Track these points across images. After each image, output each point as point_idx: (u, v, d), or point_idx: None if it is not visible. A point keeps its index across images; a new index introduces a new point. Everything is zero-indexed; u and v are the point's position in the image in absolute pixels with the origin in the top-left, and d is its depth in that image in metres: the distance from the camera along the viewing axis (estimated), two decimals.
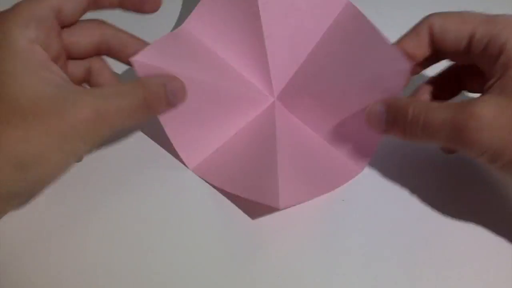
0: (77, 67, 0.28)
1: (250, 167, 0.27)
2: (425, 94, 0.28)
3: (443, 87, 0.29)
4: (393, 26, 0.44)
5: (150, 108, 0.27)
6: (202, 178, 0.28)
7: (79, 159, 0.28)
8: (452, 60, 0.28)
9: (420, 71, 0.29)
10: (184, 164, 0.28)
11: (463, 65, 0.28)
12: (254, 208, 0.30)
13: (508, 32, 0.24)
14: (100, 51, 0.29)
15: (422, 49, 0.27)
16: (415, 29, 0.27)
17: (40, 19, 0.25)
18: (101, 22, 0.29)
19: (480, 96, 0.24)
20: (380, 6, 0.48)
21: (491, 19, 0.25)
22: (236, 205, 0.30)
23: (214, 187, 0.29)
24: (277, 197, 0.25)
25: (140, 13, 0.30)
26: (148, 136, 0.36)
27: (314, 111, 0.27)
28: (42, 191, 0.28)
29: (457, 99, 0.33)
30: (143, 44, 0.29)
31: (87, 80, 0.31)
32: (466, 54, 0.27)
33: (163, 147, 0.34)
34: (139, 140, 0.35)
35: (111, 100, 0.25)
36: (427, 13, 0.48)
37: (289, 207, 0.26)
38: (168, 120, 0.28)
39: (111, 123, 0.25)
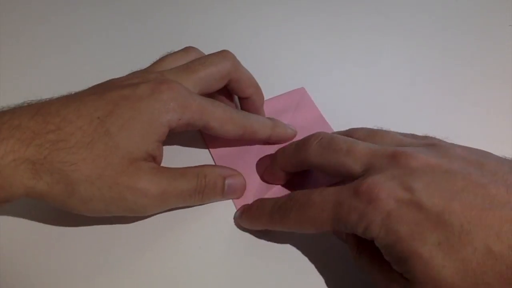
0: None
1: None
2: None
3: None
4: (393, 26, 0.44)
5: (203, 196, 0.29)
6: None
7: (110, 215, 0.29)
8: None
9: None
10: None
11: None
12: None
13: (361, 226, 0.23)
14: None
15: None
16: (273, 172, 0.31)
17: (190, 119, 0.28)
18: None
19: (396, 277, 0.22)
20: (380, 6, 0.48)
21: (339, 214, 0.24)
22: None
23: None
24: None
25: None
26: None
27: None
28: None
29: None
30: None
31: None
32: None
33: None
34: None
35: (175, 183, 0.27)
36: (427, 13, 0.49)
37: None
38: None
39: (167, 201, 0.28)
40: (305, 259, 0.28)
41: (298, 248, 0.29)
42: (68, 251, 0.28)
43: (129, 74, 0.30)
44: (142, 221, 0.29)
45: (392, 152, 0.24)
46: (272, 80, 0.37)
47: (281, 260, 0.28)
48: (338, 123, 0.35)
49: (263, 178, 0.32)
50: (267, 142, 0.33)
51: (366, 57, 0.41)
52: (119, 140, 0.26)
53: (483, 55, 0.42)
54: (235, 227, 0.29)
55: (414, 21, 0.45)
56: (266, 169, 0.32)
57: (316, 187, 0.26)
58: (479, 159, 0.24)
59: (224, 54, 0.31)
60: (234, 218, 0.30)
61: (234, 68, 0.31)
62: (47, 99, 0.27)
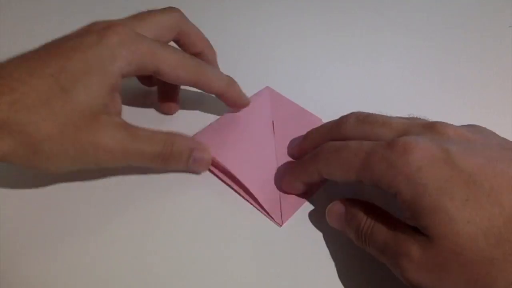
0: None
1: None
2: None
3: None
4: (393, 26, 0.44)
5: (166, 163, 0.29)
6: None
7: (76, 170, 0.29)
8: None
9: None
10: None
11: None
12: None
13: (388, 177, 0.23)
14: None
15: (316, 180, 0.28)
16: (305, 170, 0.28)
17: (139, 63, 0.28)
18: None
19: (411, 231, 0.23)
20: (378, 6, 0.48)
21: (367, 163, 0.24)
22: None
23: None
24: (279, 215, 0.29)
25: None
26: None
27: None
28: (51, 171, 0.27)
29: None
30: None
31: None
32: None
33: None
34: None
35: (137, 143, 0.27)
36: (426, 13, 0.49)
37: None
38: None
39: (128, 160, 0.27)
40: (305, 257, 0.28)
41: (299, 245, 0.29)
42: (71, 254, 0.28)
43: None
44: (136, 214, 0.29)
45: (430, 123, 0.25)
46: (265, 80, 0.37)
47: (282, 258, 0.28)
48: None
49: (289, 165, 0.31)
50: (223, 101, 0.32)
51: (365, 57, 0.41)
52: (75, 96, 0.25)
53: (483, 55, 0.42)
54: (233, 222, 0.29)
55: (414, 21, 0.45)
56: (294, 149, 0.31)
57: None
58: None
59: (172, 8, 0.31)
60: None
61: (183, 20, 0.31)
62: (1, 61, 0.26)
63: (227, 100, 0.32)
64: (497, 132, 0.27)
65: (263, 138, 0.33)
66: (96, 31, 0.27)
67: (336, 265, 0.27)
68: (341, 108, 0.35)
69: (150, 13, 0.30)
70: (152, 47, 0.28)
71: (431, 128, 0.25)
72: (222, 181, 0.31)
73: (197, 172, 0.31)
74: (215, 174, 0.31)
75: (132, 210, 0.29)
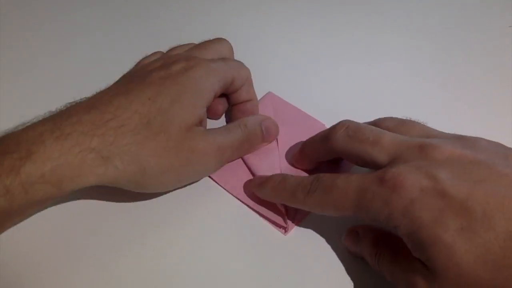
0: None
1: None
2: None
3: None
4: (393, 26, 0.44)
5: (250, 143, 0.32)
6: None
7: (181, 185, 0.31)
8: None
9: None
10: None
11: None
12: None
13: (383, 214, 0.23)
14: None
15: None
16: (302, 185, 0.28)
17: (224, 84, 0.31)
18: None
19: (418, 267, 0.23)
20: (378, 6, 0.48)
21: (361, 202, 0.24)
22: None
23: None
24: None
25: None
26: None
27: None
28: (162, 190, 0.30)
29: None
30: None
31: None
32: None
33: None
34: None
35: (226, 137, 0.30)
36: (426, 14, 0.49)
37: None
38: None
39: (223, 155, 0.30)
40: (306, 258, 0.28)
41: (300, 247, 0.29)
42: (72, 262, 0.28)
43: (145, 62, 0.32)
44: (143, 219, 0.29)
45: (419, 144, 0.25)
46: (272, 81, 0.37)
47: (282, 258, 0.28)
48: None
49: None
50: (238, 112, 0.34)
51: (367, 59, 0.41)
52: (173, 113, 0.28)
53: (483, 55, 0.42)
54: (235, 224, 0.30)
55: (414, 22, 0.45)
56: (293, 158, 0.32)
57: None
58: (504, 151, 0.25)
59: (222, 38, 0.34)
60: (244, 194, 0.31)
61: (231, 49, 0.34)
62: (89, 97, 0.29)
63: (246, 110, 0.34)
64: (497, 132, 0.28)
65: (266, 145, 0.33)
66: (179, 62, 0.30)
67: (341, 275, 0.28)
68: (345, 111, 0.35)
69: (207, 42, 0.34)
70: (223, 63, 0.31)
71: (419, 151, 0.25)
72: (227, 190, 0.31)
73: (270, 141, 0.33)
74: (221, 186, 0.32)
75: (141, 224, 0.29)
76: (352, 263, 0.28)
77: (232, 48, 0.34)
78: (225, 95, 0.33)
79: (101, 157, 0.25)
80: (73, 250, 0.28)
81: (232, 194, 0.31)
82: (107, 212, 0.30)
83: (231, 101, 0.34)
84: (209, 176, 0.32)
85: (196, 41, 0.34)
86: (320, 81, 0.38)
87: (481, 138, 0.26)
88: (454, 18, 0.45)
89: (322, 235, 0.29)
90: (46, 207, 0.29)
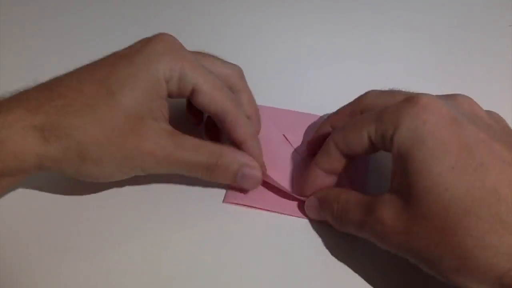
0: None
1: None
2: None
3: None
4: (393, 26, 0.44)
5: (212, 175, 0.28)
6: None
7: (125, 177, 0.28)
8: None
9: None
10: None
11: None
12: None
13: (394, 123, 0.24)
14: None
15: (337, 163, 0.28)
16: (325, 150, 0.28)
17: (181, 73, 0.27)
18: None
19: (384, 195, 0.24)
20: (379, 5, 0.48)
21: (380, 114, 0.25)
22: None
23: None
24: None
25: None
26: None
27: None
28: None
29: None
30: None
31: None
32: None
33: None
34: None
35: (182, 152, 0.27)
36: (426, 13, 0.49)
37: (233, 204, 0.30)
38: None
39: (172, 167, 0.27)
40: (306, 258, 0.28)
41: (300, 246, 0.29)
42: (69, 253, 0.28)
43: None
44: (143, 217, 0.29)
45: (453, 94, 0.26)
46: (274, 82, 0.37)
47: (283, 257, 0.28)
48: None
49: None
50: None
51: (364, 57, 0.41)
52: (121, 99, 0.26)
53: (483, 55, 0.42)
54: (237, 225, 0.29)
55: (414, 22, 0.45)
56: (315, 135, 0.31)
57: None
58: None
59: (235, 65, 0.31)
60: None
61: (242, 77, 0.31)
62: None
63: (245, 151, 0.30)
64: None
65: (285, 153, 0.32)
66: (142, 40, 0.28)
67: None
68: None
69: (214, 57, 0.31)
70: (195, 61, 0.28)
71: (452, 97, 0.26)
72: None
73: (245, 188, 0.30)
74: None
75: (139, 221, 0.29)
76: (352, 261, 0.28)
77: (242, 76, 0.31)
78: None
79: (43, 136, 0.25)
80: (67, 249, 0.28)
81: (263, 209, 0.30)
82: (105, 212, 0.30)
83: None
84: (232, 203, 0.30)
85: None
86: (318, 81, 0.38)
87: (503, 118, 0.27)
88: (454, 18, 0.45)
89: (322, 237, 0.29)
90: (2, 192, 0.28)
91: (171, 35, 0.28)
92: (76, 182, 0.28)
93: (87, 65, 0.28)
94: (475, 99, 0.39)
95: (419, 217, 0.22)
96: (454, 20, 0.45)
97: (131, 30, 0.43)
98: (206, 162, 0.27)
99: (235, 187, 0.30)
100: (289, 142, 0.33)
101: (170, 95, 0.28)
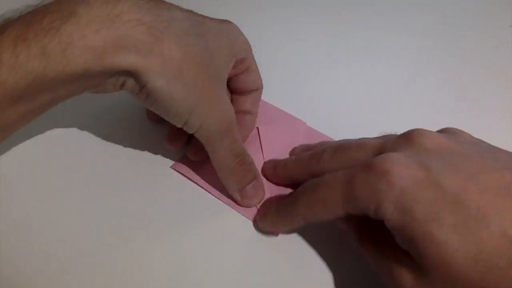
0: None
1: None
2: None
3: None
4: (392, 26, 0.44)
5: (237, 167, 0.28)
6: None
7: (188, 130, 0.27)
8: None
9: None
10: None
11: None
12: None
13: (372, 203, 0.22)
14: None
15: (297, 224, 0.27)
16: (291, 222, 0.27)
17: (243, 57, 0.29)
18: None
19: (403, 259, 0.22)
20: (378, 6, 0.48)
21: (350, 192, 0.23)
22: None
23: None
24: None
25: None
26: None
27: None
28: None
29: None
30: None
31: None
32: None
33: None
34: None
35: (237, 134, 0.28)
36: (426, 13, 0.49)
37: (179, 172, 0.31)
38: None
39: (225, 137, 0.27)
40: (305, 258, 0.28)
41: (299, 247, 0.29)
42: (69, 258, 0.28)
43: None
44: (145, 224, 0.29)
45: (405, 134, 0.24)
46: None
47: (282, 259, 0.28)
48: (336, 125, 0.35)
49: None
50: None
51: (363, 58, 0.41)
52: (213, 51, 0.26)
53: (483, 55, 0.42)
54: (237, 228, 0.29)
55: (414, 22, 0.45)
56: (270, 175, 0.31)
57: None
58: (490, 147, 0.24)
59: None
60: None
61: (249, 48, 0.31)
62: None
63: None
64: (497, 131, 0.27)
65: (250, 145, 0.32)
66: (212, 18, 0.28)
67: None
68: (343, 111, 0.35)
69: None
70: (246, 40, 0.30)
71: (406, 139, 0.23)
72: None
73: (249, 204, 0.29)
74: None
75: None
76: (344, 266, 0.28)
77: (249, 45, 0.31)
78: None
79: (151, 33, 0.23)
80: (66, 247, 0.28)
81: (204, 189, 0.30)
82: (103, 213, 0.30)
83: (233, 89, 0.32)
84: (178, 171, 0.31)
85: None
86: (317, 82, 0.38)
87: (462, 131, 0.25)
88: (454, 18, 0.45)
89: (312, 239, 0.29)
90: (80, 93, 0.25)
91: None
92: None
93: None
94: (474, 101, 0.40)
95: (439, 282, 0.21)
96: (454, 20, 0.45)
97: None
98: (241, 152, 0.28)
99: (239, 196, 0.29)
100: (259, 136, 0.33)
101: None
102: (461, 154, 0.22)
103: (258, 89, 0.32)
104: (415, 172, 0.21)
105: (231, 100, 0.32)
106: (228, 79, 0.29)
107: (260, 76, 0.32)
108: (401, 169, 0.21)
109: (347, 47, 0.42)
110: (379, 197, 0.21)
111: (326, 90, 0.38)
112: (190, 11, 0.27)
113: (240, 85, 0.31)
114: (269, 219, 0.28)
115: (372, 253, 0.24)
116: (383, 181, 0.21)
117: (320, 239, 0.28)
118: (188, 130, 0.26)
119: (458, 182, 0.21)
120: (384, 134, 0.28)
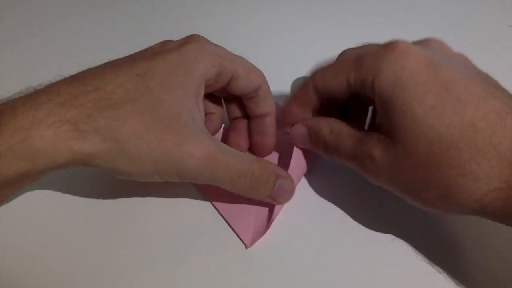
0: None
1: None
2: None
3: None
4: (392, 27, 0.44)
5: (251, 186, 0.27)
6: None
7: (158, 180, 0.26)
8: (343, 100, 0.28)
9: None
10: None
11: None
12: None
13: (374, 70, 0.25)
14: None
15: (312, 105, 0.29)
16: (303, 90, 0.29)
17: (220, 66, 0.28)
18: None
19: (374, 135, 0.25)
20: (378, 6, 0.48)
21: (359, 61, 0.26)
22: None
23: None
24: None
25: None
26: None
27: None
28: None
29: None
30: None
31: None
32: (354, 95, 0.27)
33: None
34: None
35: (226, 157, 0.26)
36: (426, 13, 0.49)
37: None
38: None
39: (212, 171, 0.25)
40: (304, 259, 0.28)
41: (298, 247, 0.29)
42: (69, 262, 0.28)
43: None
44: (145, 225, 0.29)
45: (426, 39, 0.28)
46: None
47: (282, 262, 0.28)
48: None
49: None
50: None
51: None
52: (161, 96, 0.25)
53: (483, 55, 0.42)
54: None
55: (413, 21, 0.45)
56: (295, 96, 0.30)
57: None
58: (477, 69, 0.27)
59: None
60: None
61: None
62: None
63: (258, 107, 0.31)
64: None
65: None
66: (176, 41, 0.28)
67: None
68: None
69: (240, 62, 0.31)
70: (228, 53, 0.29)
71: (425, 42, 0.28)
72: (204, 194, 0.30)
73: (277, 202, 0.28)
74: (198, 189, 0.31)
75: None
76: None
77: (264, 77, 0.30)
78: (240, 102, 0.31)
79: (77, 130, 0.23)
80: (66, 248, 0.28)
81: (204, 195, 0.30)
82: (102, 214, 0.30)
83: (248, 112, 0.31)
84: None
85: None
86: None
87: (441, 42, 0.29)
88: (454, 18, 0.45)
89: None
90: (22, 190, 0.27)
91: (202, 36, 0.28)
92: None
93: (120, 59, 0.27)
94: None
95: (406, 154, 0.23)
96: (454, 21, 0.45)
97: (135, 31, 0.43)
98: (248, 169, 0.26)
99: (267, 203, 0.29)
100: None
101: (206, 91, 0.28)
102: (463, 64, 0.27)
103: (262, 85, 0.30)
104: (421, 57, 0.24)
105: (250, 126, 0.31)
106: (242, 103, 0.30)
107: (255, 69, 0.30)
108: (409, 51, 0.24)
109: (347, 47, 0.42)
110: (380, 67, 0.24)
111: None
112: (128, 57, 0.27)
113: (253, 110, 0.31)
114: (286, 103, 0.30)
115: (343, 142, 0.26)
116: (390, 55, 0.25)
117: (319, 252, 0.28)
118: (174, 180, 0.26)
119: (452, 75, 0.24)
120: None
